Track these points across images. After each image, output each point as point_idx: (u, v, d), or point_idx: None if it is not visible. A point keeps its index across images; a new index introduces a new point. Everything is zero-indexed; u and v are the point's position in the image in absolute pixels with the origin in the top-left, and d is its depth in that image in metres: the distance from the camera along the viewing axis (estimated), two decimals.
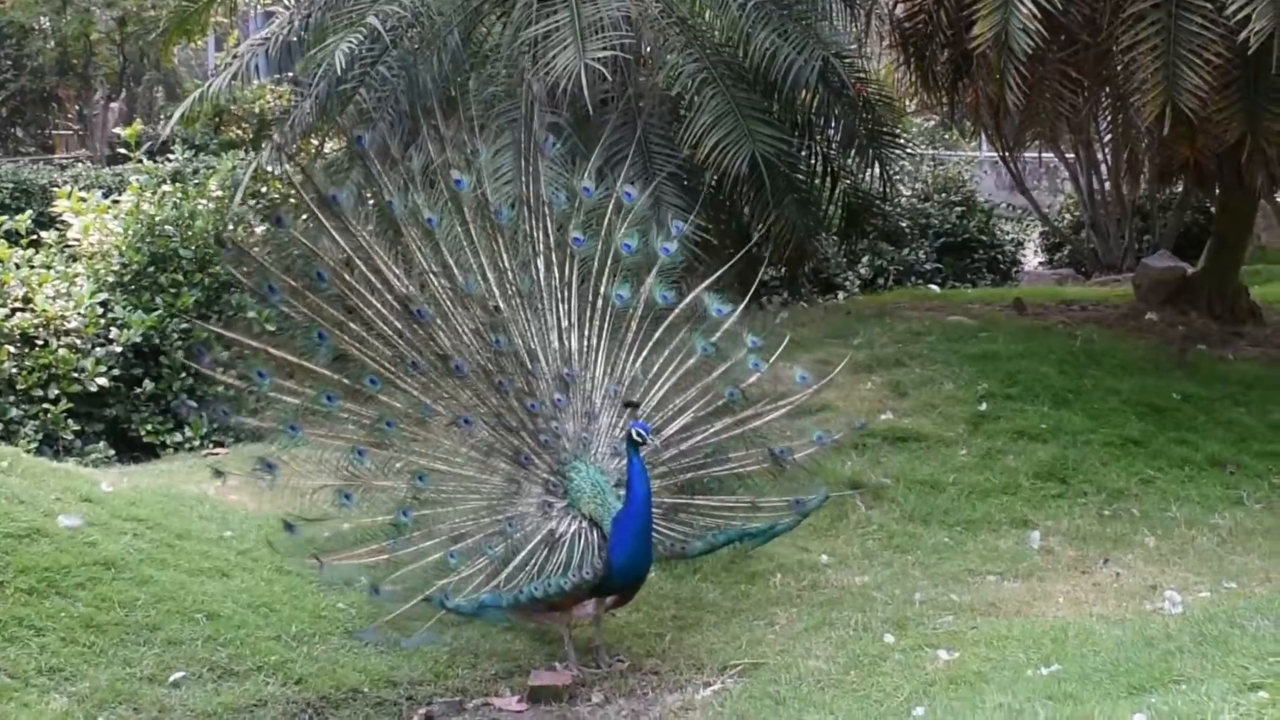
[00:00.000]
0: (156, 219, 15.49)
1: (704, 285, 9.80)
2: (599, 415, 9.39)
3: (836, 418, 11.16)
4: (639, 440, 8.75)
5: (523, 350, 9.30)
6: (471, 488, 9.27)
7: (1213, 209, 20.84)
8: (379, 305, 9.35)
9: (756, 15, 14.35)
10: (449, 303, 9.38)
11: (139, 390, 14.64)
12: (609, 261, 9.66)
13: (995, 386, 13.87)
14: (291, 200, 10.56)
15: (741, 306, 9.83)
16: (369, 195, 10.03)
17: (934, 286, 22.08)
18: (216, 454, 14.06)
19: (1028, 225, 27.56)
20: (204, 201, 16.25)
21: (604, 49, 12.91)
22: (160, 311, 14.84)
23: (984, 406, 13.38)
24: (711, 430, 9.60)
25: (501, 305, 9.38)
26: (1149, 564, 10.80)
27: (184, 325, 14.85)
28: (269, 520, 10.98)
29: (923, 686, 8.13)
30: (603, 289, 9.61)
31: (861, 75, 16.74)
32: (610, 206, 9.78)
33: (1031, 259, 27.15)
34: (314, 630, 9.42)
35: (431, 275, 9.43)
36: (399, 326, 9.34)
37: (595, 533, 8.97)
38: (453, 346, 9.31)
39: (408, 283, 9.39)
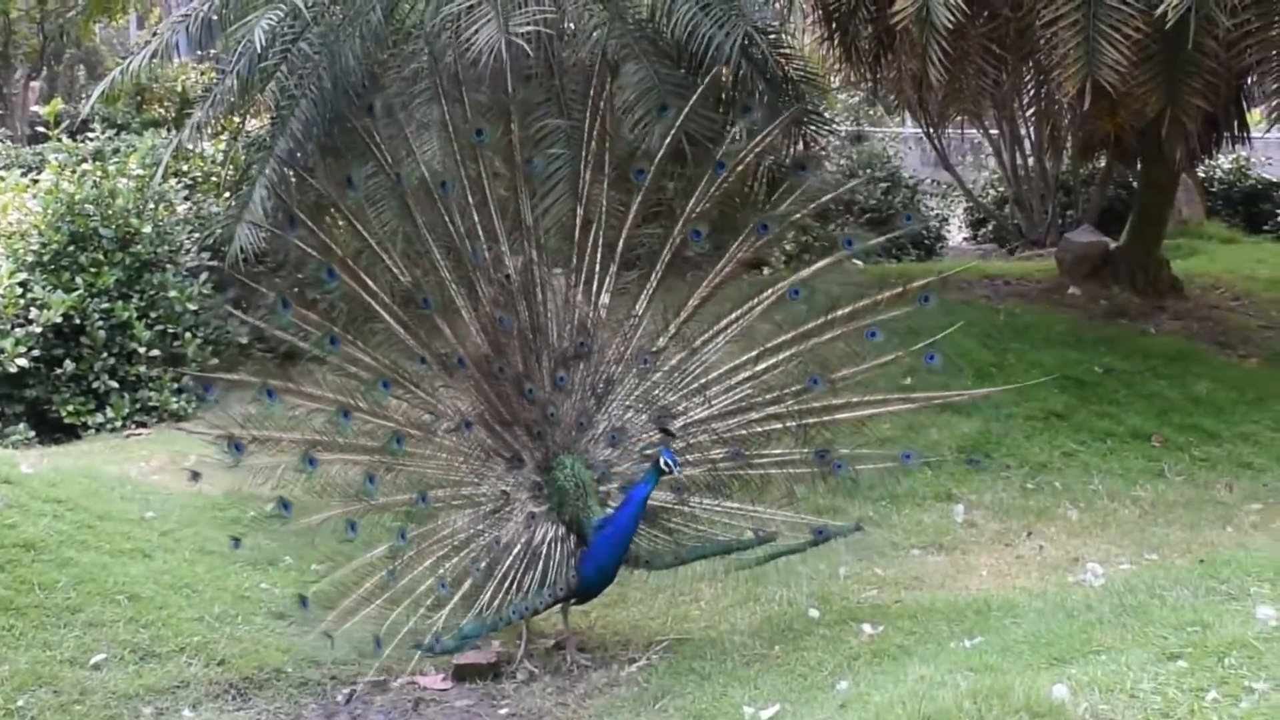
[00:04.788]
0: (76, 198, 15.32)
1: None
2: (617, 385, 8.96)
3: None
4: (665, 470, 8.42)
5: (528, 326, 8.85)
6: (466, 500, 8.96)
7: (1135, 183, 20.98)
8: (381, 302, 8.90)
9: None
10: (453, 285, 8.90)
11: (60, 371, 14.47)
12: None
13: (918, 361, 13.88)
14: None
15: (822, 263, 9.24)
16: (371, 173, 9.38)
17: (858, 262, 22.08)
18: (139, 434, 13.97)
19: (952, 201, 27.64)
20: (124, 180, 16.09)
21: (526, 24, 12.85)
22: (80, 291, 14.68)
23: (907, 381, 13.40)
24: (761, 417, 9.00)
25: (513, 272, 8.88)
26: (1071, 536, 10.90)
27: (104, 305, 14.72)
28: (191, 500, 10.95)
29: (847, 660, 8.14)
30: (678, 228, 9.00)
31: (786, 51, 16.72)
32: None
33: (956, 234, 27.22)
34: (237, 611, 9.38)
35: (437, 254, 8.90)
36: (403, 322, 8.91)
37: (573, 539, 8.77)
38: (455, 337, 8.91)
39: (409, 275, 8.96)
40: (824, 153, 19.60)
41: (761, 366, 8.95)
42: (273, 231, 10.01)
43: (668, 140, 9.23)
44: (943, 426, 12.78)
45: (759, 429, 9.02)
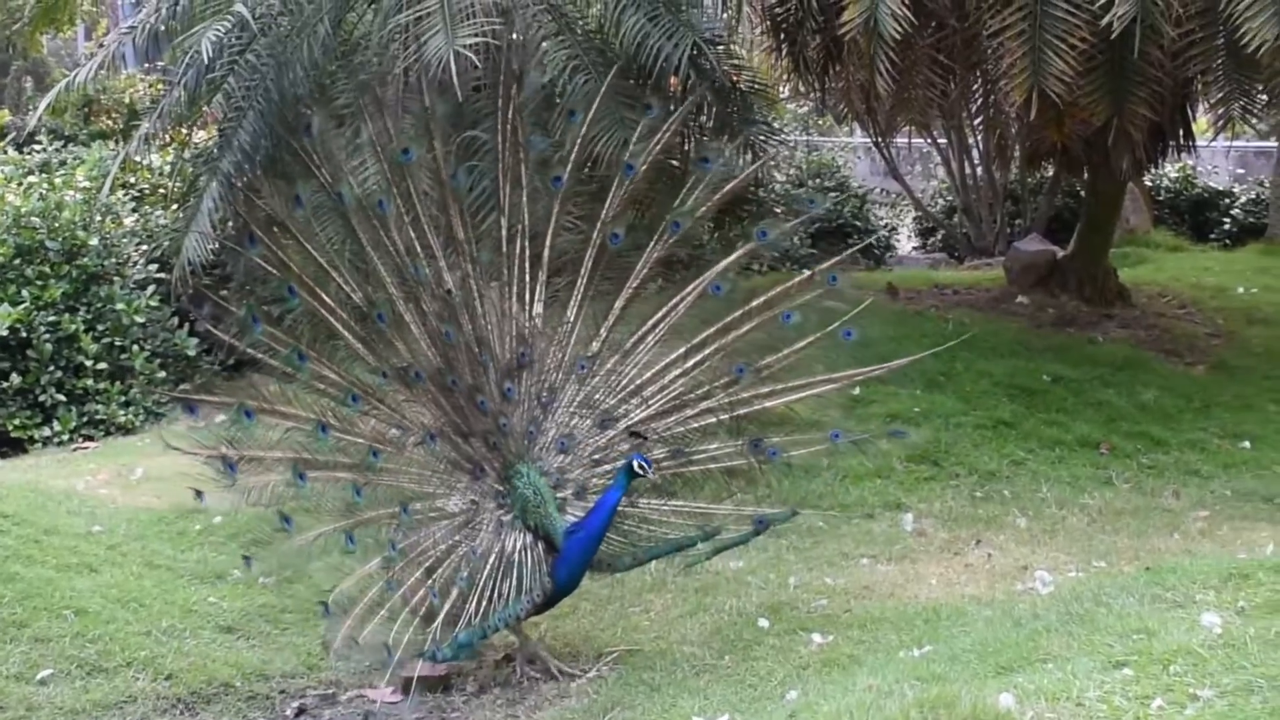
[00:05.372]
0: (22, 210, 15.27)
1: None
2: (560, 393, 8.99)
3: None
4: (640, 473, 8.48)
5: (472, 339, 8.85)
6: (440, 512, 8.96)
7: (1082, 192, 21.08)
8: (341, 319, 8.98)
9: (627, 0, 14.32)
10: (401, 301, 8.91)
11: (6, 384, 14.41)
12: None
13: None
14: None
15: (739, 252, 9.32)
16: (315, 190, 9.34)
17: (806, 271, 22.10)
18: (85, 448, 13.91)
19: (901, 210, 27.74)
20: (71, 193, 16.03)
21: (474, 36, 12.83)
22: (27, 304, 14.61)
23: (857, 390, 13.42)
24: (696, 413, 9.09)
25: (454, 288, 8.87)
26: (1020, 545, 10.92)
27: (51, 318, 14.64)
28: (137, 514, 10.90)
29: (796, 670, 8.17)
30: (596, 231, 9.09)
31: (735, 62, 16.74)
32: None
33: (905, 244, 27.32)
34: (184, 625, 9.33)
35: (383, 271, 8.93)
36: (361, 338, 9.00)
37: (540, 546, 8.74)
38: (409, 352, 8.93)
39: (360, 292, 8.99)
40: (773, 162, 19.68)
41: (691, 363, 9.05)
42: (233, 248, 9.93)
43: (576, 147, 9.30)
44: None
45: (695, 425, 9.11)
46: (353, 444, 8.93)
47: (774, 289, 9.15)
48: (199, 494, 9.28)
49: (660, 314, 9.09)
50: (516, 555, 8.73)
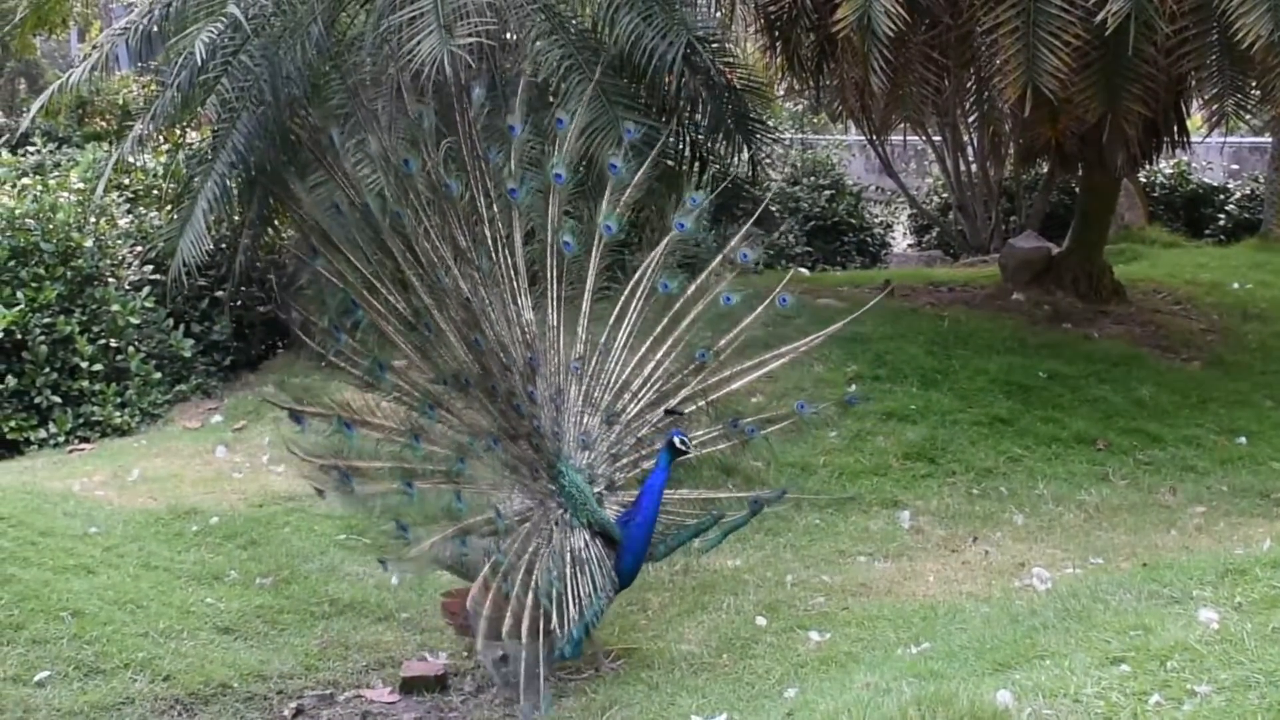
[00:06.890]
0: (17, 212, 15.23)
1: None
2: (565, 393, 9.10)
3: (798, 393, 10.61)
4: (682, 449, 8.66)
5: (495, 345, 8.90)
6: (519, 515, 8.92)
7: (1077, 189, 21.07)
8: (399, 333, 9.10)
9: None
10: (435, 310, 8.96)
11: (1, 387, 14.37)
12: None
13: (864, 368, 13.99)
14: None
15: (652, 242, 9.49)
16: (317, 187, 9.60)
17: (804, 270, 22.13)
18: (81, 449, 13.89)
19: (896, 208, 27.71)
20: (65, 194, 16.01)
21: (468, 36, 12.83)
22: (22, 306, 14.58)
23: (853, 388, 13.45)
24: (678, 401, 9.26)
25: (470, 296, 8.92)
26: (1017, 541, 10.90)
27: (46, 320, 14.62)
28: (134, 515, 10.89)
29: (794, 668, 8.17)
30: (550, 239, 9.29)
31: (729, 60, 16.76)
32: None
33: (900, 241, 27.30)
34: (182, 626, 9.30)
35: (415, 281, 8.99)
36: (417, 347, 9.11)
37: (600, 540, 8.80)
38: (453, 360, 9.01)
39: (404, 302, 9.08)
40: (769, 160, 19.69)
41: (660, 354, 9.27)
42: (299, 258, 9.93)
43: (513, 156, 9.37)
44: (888, 434, 12.83)
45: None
46: (437, 453, 9.01)
47: (699, 277, 9.39)
48: (320, 492, 9.43)
49: (618, 312, 9.32)
50: (584, 553, 8.76)
